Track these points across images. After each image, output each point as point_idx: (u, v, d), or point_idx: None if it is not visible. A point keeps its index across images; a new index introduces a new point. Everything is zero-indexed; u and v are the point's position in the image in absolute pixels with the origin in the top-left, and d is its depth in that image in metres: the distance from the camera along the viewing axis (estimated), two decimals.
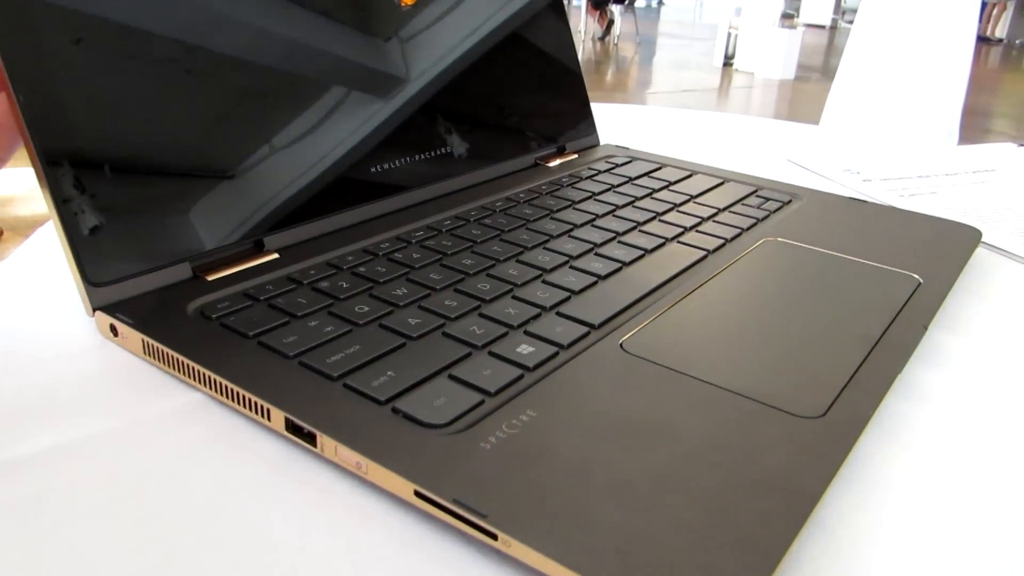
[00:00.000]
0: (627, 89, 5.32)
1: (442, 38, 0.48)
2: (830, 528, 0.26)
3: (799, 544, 0.25)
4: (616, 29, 6.90)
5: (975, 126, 4.50)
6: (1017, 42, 8.42)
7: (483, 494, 0.24)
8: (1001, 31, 8.49)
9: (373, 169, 0.44)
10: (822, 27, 8.98)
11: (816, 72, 5.96)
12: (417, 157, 0.47)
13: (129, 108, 0.35)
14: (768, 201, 0.51)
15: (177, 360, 0.31)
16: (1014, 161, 0.70)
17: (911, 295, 0.39)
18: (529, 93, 0.55)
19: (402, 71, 0.46)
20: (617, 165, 0.57)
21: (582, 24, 7.03)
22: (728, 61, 6.03)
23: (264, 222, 0.39)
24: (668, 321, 0.35)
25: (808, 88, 5.29)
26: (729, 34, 6.03)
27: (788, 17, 6.57)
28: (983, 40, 8.48)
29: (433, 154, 0.48)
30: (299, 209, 0.40)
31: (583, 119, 0.61)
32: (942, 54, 2.57)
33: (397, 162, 0.46)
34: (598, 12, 6.88)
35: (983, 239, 0.49)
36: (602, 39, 6.92)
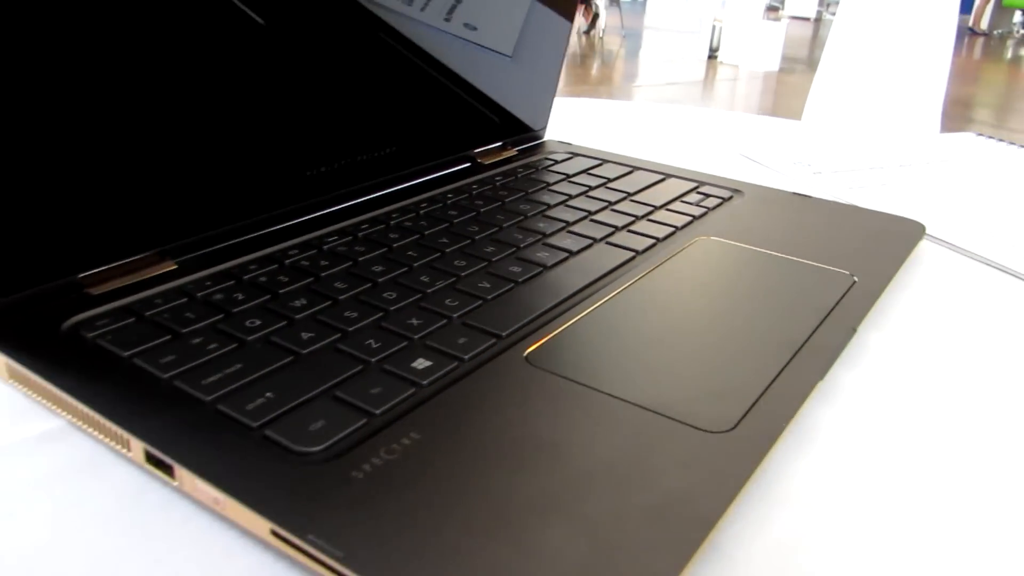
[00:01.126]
0: (612, 82, 5.29)
1: (368, 22, 0.46)
2: (728, 553, 0.24)
3: (689, 573, 0.23)
4: (601, 23, 6.88)
5: (958, 116, 4.50)
6: (996, 32, 8.43)
7: (345, 531, 0.22)
8: (985, 23, 8.49)
9: (287, 169, 0.42)
10: (807, 19, 8.96)
11: (801, 64, 5.95)
12: (338, 155, 0.44)
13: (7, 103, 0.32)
14: (708, 198, 0.49)
15: (38, 384, 0.28)
16: (970, 151, 0.68)
17: (843, 295, 0.37)
18: (469, 85, 0.53)
19: (320, 59, 0.44)
20: (556, 162, 0.55)
21: None
22: (713, 54, 6.01)
23: (162, 229, 0.37)
24: (581, 329, 0.33)
25: (793, 80, 5.28)
26: (714, 27, 6.01)
27: (773, 9, 6.56)
28: (970, 32, 8.49)
29: (357, 152, 0.45)
30: (201, 215, 0.38)
31: (530, 113, 0.59)
32: (923, 45, 2.56)
33: (314, 161, 0.43)
34: (583, 6, 6.85)
35: (928, 232, 0.47)
36: (587, 33, 6.90)
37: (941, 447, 0.29)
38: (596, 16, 6.81)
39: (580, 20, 6.91)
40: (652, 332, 0.33)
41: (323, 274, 0.36)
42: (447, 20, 0.49)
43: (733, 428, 0.27)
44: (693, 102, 4.73)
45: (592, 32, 6.85)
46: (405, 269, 0.37)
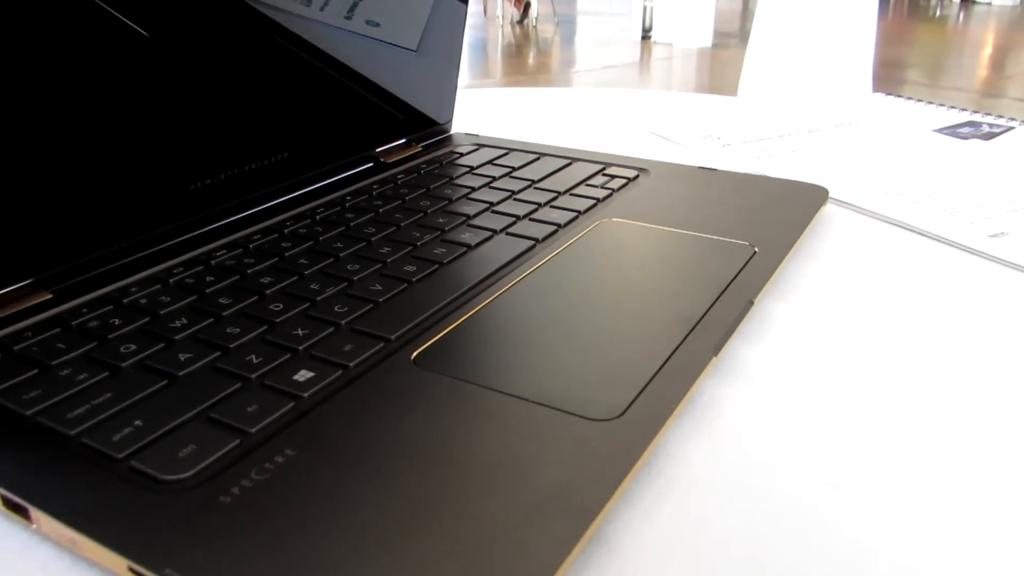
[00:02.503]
0: (550, 70, 5.29)
1: (259, 25, 0.44)
2: (615, 546, 0.23)
3: (573, 570, 0.22)
4: (533, 11, 6.87)
5: (890, 78, 4.60)
6: None
7: (206, 561, 0.21)
8: None
9: (170, 184, 0.40)
10: None
11: (734, 38, 6.01)
12: (225, 166, 0.43)
13: None
14: (613, 179, 0.48)
15: None
16: (879, 111, 0.68)
17: (743, 267, 0.36)
18: (368, 82, 0.51)
19: (207, 67, 0.42)
20: (462, 155, 0.54)
21: (499, 9, 6.98)
22: (646, 34, 6.05)
23: (33, 258, 0.35)
24: (471, 326, 0.32)
25: (726, 55, 5.34)
26: (645, 7, 6.04)
27: None
28: None
29: (246, 160, 0.44)
30: (77, 239, 0.36)
31: (434, 107, 0.57)
32: (849, 9, 2.61)
33: (199, 174, 0.42)
34: None
35: (833, 196, 0.47)
36: (520, 22, 6.89)
37: (844, 416, 0.29)
38: (528, 5, 6.80)
39: (513, 10, 6.90)
40: (545, 322, 0.33)
41: (208, 290, 0.35)
42: (348, 18, 0.47)
43: (622, 414, 0.26)
44: (631, 84, 4.75)
45: (525, 21, 6.85)
46: (295, 278, 0.36)
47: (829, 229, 0.44)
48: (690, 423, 0.28)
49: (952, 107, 0.68)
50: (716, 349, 0.30)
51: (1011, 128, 0.62)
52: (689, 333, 0.31)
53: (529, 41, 6.46)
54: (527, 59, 5.77)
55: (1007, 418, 0.28)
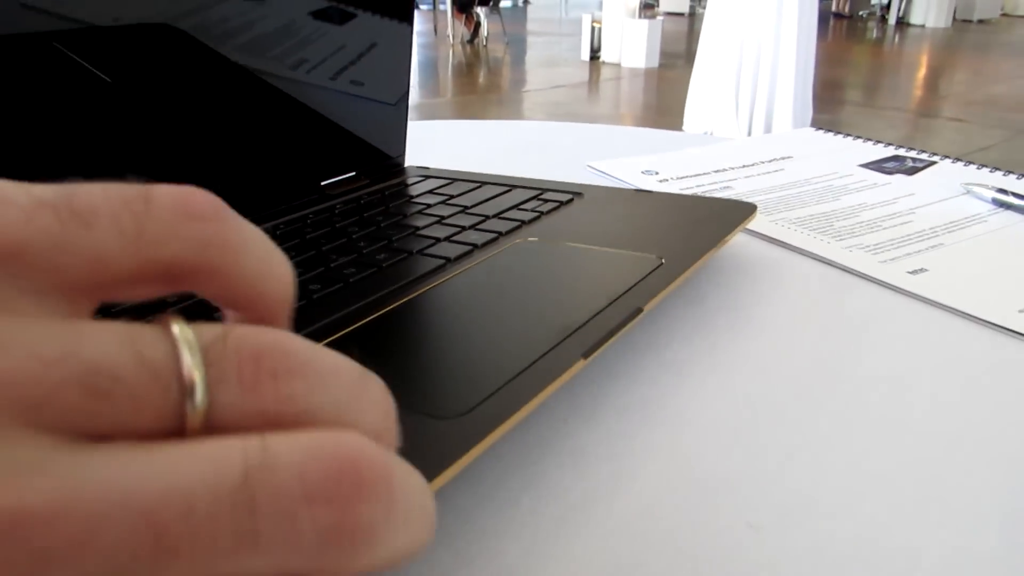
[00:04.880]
0: (500, 89, 5.33)
1: (208, 45, 0.43)
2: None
3: None
4: (483, 31, 6.92)
5: (831, 98, 4.72)
6: (860, 13, 8.93)
7: None
8: (847, 5, 8.97)
9: None
10: (681, 15, 9.27)
11: (680, 59, 6.12)
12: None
13: None
14: (546, 203, 0.48)
15: None
16: (811, 146, 0.69)
17: (643, 277, 0.36)
18: (323, 117, 0.50)
19: (156, 107, 0.40)
20: (407, 185, 0.53)
21: (450, 28, 7.02)
22: (595, 54, 6.13)
23: None
24: (351, 339, 0.32)
25: (673, 75, 5.43)
26: (593, 28, 6.13)
27: (648, 7, 6.72)
28: (836, 16, 8.94)
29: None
30: None
31: (383, 143, 0.56)
32: (789, 32, 2.69)
33: None
34: (464, 15, 6.88)
35: (760, 231, 0.47)
36: (471, 42, 6.93)
37: (762, 454, 0.28)
38: (478, 25, 6.85)
39: (463, 29, 6.94)
40: (422, 335, 0.33)
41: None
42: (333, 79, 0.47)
43: (467, 412, 0.26)
44: (579, 103, 4.80)
45: (475, 41, 6.89)
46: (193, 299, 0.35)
47: (754, 266, 0.44)
48: (549, 421, 0.28)
49: (878, 142, 0.69)
50: (587, 353, 0.30)
51: (933, 163, 0.63)
52: (565, 339, 0.30)
53: (479, 60, 6.50)
54: (478, 78, 5.80)
55: (923, 454, 0.28)
